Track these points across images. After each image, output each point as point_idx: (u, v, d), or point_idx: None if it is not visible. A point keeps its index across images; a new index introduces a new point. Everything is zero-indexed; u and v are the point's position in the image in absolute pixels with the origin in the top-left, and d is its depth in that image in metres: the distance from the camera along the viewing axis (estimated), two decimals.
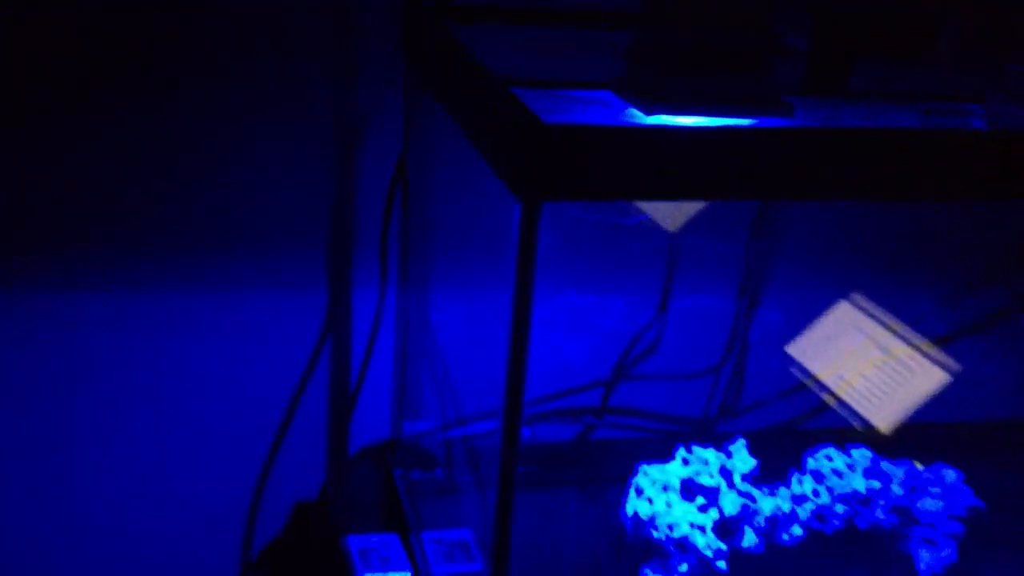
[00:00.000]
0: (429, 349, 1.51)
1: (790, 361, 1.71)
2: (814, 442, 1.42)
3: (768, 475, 1.37)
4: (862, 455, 1.38)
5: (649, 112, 0.94)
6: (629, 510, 1.32)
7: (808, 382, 1.68)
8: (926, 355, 1.70)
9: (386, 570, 1.29)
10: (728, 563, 1.28)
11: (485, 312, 1.56)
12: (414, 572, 1.29)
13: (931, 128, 0.97)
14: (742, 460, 1.34)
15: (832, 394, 1.72)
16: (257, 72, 1.39)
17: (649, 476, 1.33)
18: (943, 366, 1.69)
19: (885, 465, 1.39)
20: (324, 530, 1.53)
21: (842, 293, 1.71)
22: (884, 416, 1.67)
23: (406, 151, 1.34)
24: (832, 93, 1.08)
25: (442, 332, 1.52)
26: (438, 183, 1.38)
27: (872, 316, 1.70)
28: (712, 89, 0.94)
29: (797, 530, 1.33)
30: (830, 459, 1.37)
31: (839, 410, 1.72)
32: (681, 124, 0.91)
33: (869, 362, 1.72)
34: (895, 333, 1.71)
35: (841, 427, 1.68)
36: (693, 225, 1.54)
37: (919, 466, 1.43)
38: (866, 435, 1.63)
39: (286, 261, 1.50)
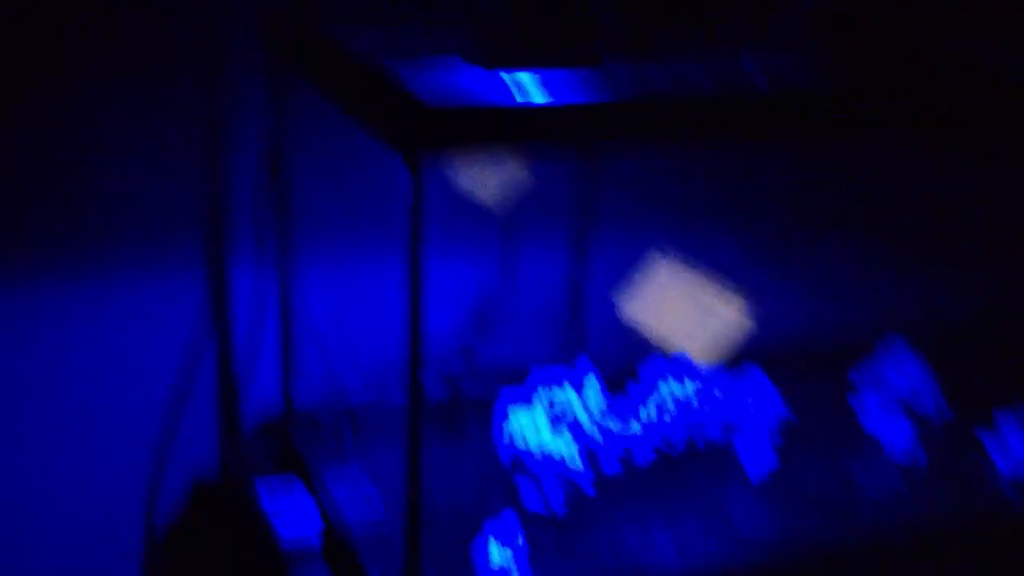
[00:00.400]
0: (312, 325, 1.67)
1: (621, 306, 1.94)
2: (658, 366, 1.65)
3: (621, 407, 1.60)
4: (694, 384, 1.62)
5: (490, 68, 1.14)
6: (517, 446, 1.52)
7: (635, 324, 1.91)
8: (726, 296, 1.96)
9: (300, 529, 1.46)
10: (594, 487, 1.50)
11: (362, 285, 1.73)
12: (324, 525, 1.46)
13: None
14: (596, 396, 1.57)
15: (649, 341, 1.95)
16: (132, 68, 1.52)
17: (520, 417, 1.53)
18: (742, 305, 1.95)
19: (715, 391, 1.63)
20: (228, 502, 1.67)
21: (656, 242, 1.94)
22: (703, 348, 1.92)
23: (277, 139, 1.49)
24: (645, 56, 1.29)
25: (323, 307, 1.69)
26: (311, 166, 1.55)
27: (676, 267, 1.94)
28: (538, 48, 1.14)
29: (644, 451, 1.56)
30: (669, 387, 1.61)
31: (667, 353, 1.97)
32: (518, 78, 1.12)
33: (678, 309, 1.96)
34: (697, 280, 1.95)
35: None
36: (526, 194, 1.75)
37: (742, 385, 1.68)
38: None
39: (168, 250, 1.64)
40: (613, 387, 1.63)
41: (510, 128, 1.08)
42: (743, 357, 1.74)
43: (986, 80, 1.34)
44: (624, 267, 1.92)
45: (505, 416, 1.55)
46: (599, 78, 1.16)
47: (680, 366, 1.63)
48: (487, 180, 1.62)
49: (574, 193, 1.89)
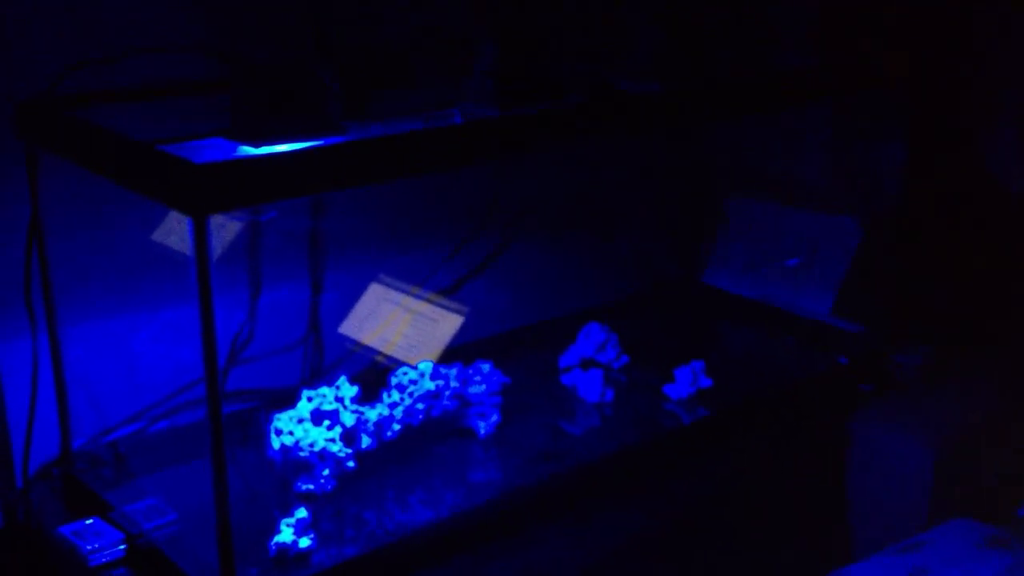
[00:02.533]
0: (84, 375, 1.84)
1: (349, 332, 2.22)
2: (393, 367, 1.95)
3: (368, 397, 1.88)
4: (426, 366, 1.93)
5: (255, 145, 1.40)
6: (276, 445, 1.76)
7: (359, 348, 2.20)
8: (440, 304, 2.29)
9: (101, 542, 1.63)
10: (355, 461, 1.78)
11: (122, 332, 1.92)
12: (125, 536, 1.65)
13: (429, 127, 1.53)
14: (347, 389, 1.84)
15: (383, 351, 2.24)
16: None
17: (283, 418, 1.78)
18: (454, 308, 2.29)
19: (442, 369, 1.95)
20: (21, 543, 1.80)
21: (373, 272, 2.24)
22: (427, 350, 2.24)
23: (36, 214, 1.67)
24: (362, 117, 1.60)
25: (90, 357, 1.86)
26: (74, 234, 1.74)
27: (395, 287, 2.25)
28: (288, 124, 1.42)
29: (396, 427, 1.85)
30: (406, 373, 1.91)
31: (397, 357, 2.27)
32: (274, 151, 1.39)
33: (403, 321, 2.27)
34: (414, 295, 2.27)
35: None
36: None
37: (465, 365, 2.01)
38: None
39: None
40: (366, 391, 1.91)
41: (272, 179, 1.34)
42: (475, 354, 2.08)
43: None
44: (355, 295, 2.21)
45: (271, 420, 1.79)
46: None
47: (419, 368, 1.93)
48: (230, 229, 1.86)
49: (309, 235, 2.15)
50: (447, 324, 2.27)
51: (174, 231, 1.70)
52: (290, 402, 1.81)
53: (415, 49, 1.65)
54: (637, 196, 2.65)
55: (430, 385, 1.90)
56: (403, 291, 2.27)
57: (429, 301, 2.29)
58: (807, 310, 2.47)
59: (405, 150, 1.43)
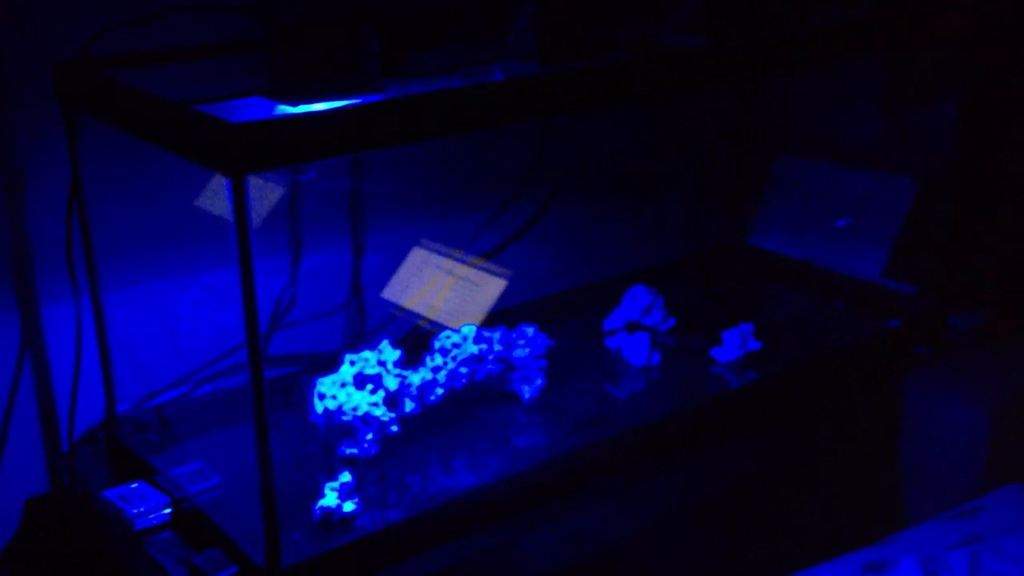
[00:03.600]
0: (126, 339, 1.84)
1: (392, 297, 2.20)
2: (436, 332, 1.93)
3: (411, 361, 1.86)
4: (470, 329, 1.90)
5: (293, 104, 1.38)
6: (319, 409, 1.75)
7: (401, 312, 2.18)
8: (483, 267, 2.26)
9: (147, 506, 1.63)
10: (398, 425, 1.76)
11: (165, 298, 1.91)
12: (171, 500, 1.65)
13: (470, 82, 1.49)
14: (390, 353, 1.82)
15: (426, 316, 2.23)
16: None
17: (326, 383, 1.77)
18: (497, 272, 2.26)
19: (486, 333, 1.92)
20: (67, 506, 1.81)
21: (415, 235, 2.22)
22: (470, 315, 2.22)
23: (77, 177, 1.66)
24: (402, 76, 1.57)
25: (134, 321, 1.86)
26: (109, 196, 1.73)
27: (437, 251, 2.22)
28: (326, 83, 1.40)
29: (439, 391, 1.83)
30: (449, 337, 1.89)
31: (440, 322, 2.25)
32: (312, 110, 1.37)
33: (445, 285, 2.25)
34: (457, 258, 2.24)
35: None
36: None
37: (509, 328, 1.98)
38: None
39: None
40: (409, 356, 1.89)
41: (309, 138, 1.31)
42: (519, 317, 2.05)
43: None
44: (396, 258, 2.19)
45: (314, 385, 1.78)
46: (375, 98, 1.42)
47: (462, 332, 1.90)
48: (271, 192, 1.84)
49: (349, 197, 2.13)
50: (490, 288, 2.25)
51: (214, 193, 1.69)
52: (333, 366, 1.79)
53: (455, 7, 1.61)
54: (684, 157, 2.60)
55: (473, 349, 1.87)
56: (445, 255, 2.24)
57: (472, 265, 2.27)
58: (859, 271, 2.42)
59: (443, 107, 1.40)
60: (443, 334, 1.90)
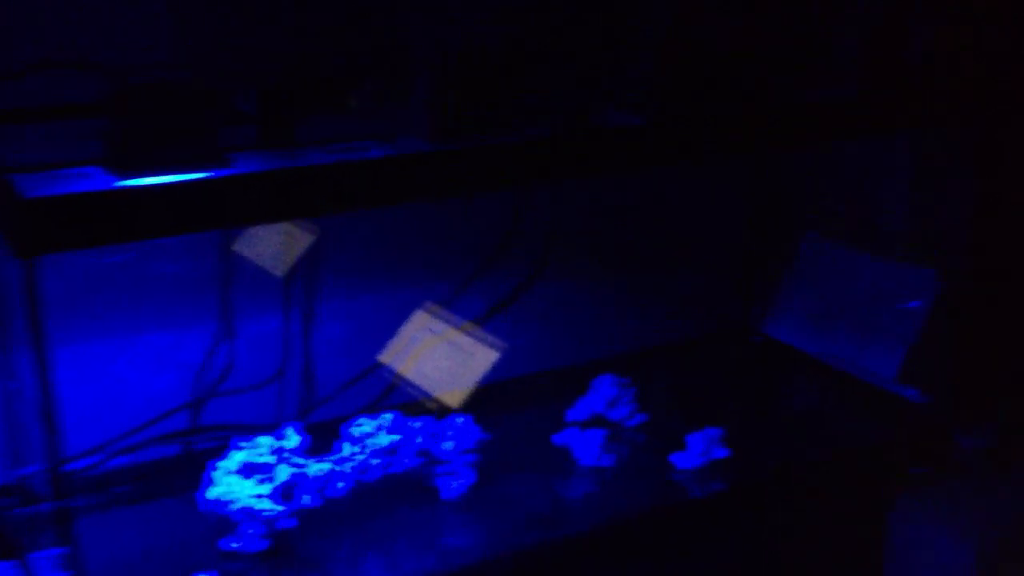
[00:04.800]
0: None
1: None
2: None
3: (324, 448, 1.72)
4: (385, 418, 1.75)
5: (124, 176, 1.26)
6: (210, 496, 1.62)
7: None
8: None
9: None
10: (296, 519, 1.62)
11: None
12: None
13: (335, 160, 1.35)
14: (291, 439, 1.68)
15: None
16: None
17: (217, 468, 1.64)
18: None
19: (410, 422, 1.77)
20: None
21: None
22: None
23: None
24: (282, 146, 1.44)
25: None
26: None
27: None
28: (164, 154, 1.27)
29: (340, 484, 1.68)
30: (361, 425, 1.74)
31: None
32: (146, 183, 1.24)
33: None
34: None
35: (403, 402, 2.07)
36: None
37: (438, 418, 1.82)
38: (423, 405, 2.03)
39: None
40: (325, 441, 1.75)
41: (109, 217, 1.19)
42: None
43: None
44: (353, 328, 2.06)
45: (209, 468, 1.65)
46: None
47: (379, 419, 1.76)
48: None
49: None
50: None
51: None
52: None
53: (356, 73, 1.48)
54: (691, 230, 2.39)
55: (384, 440, 1.72)
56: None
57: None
58: (871, 372, 2.18)
59: (279, 188, 1.26)
60: (357, 421, 1.75)
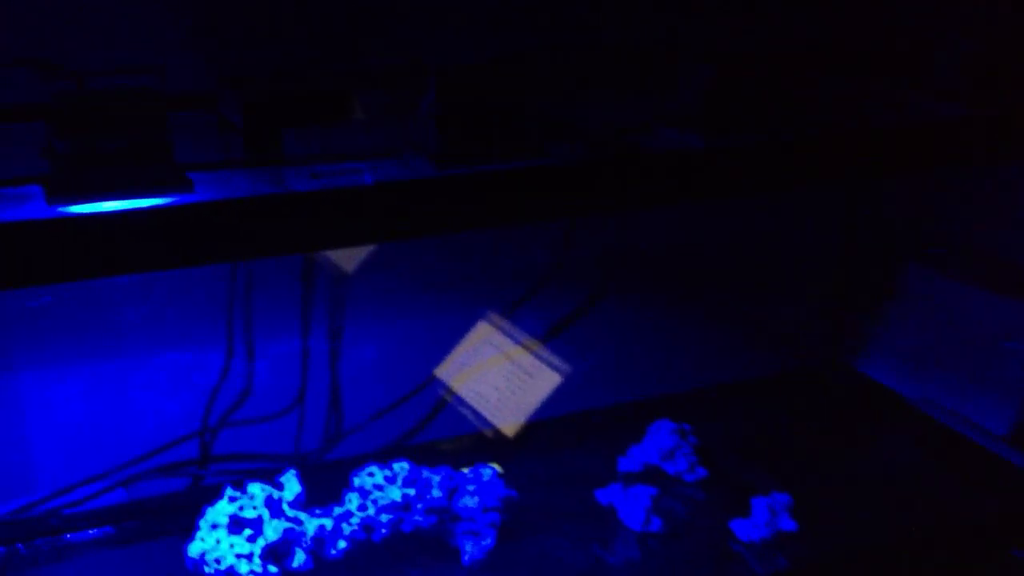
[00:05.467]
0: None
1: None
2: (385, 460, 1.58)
3: (330, 498, 1.53)
4: (401, 467, 1.55)
5: (65, 203, 1.07)
6: (192, 552, 1.44)
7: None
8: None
9: None
10: None
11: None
12: None
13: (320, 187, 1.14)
14: (290, 489, 1.49)
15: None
16: None
17: (205, 517, 1.46)
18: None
19: (425, 473, 1.56)
20: None
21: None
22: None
23: None
24: (268, 162, 1.23)
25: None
26: None
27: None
28: (117, 177, 1.08)
29: (342, 544, 1.48)
30: (372, 475, 1.53)
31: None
32: (88, 210, 1.05)
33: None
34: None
35: (431, 440, 1.87)
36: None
37: (465, 470, 1.61)
38: (452, 445, 1.83)
39: None
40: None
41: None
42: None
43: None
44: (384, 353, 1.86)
45: (200, 515, 1.47)
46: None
47: (394, 469, 1.56)
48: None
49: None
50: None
51: None
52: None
53: (360, 80, 1.26)
54: (771, 253, 2.12)
55: (396, 495, 1.51)
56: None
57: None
58: (977, 426, 1.89)
59: (249, 219, 1.05)
60: (367, 469, 1.55)
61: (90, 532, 1.60)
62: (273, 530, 1.43)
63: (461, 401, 1.90)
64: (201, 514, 1.48)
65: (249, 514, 1.43)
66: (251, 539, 1.42)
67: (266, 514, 1.44)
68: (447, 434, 1.90)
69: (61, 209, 1.06)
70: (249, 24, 1.32)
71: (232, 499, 1.45)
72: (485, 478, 1.58)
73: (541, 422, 1.88)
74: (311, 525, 1.46)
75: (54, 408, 1.69)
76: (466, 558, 1.53)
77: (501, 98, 1.21)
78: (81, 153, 1.08)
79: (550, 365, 1.90)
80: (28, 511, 1.64)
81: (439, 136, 1.19)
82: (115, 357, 1.73)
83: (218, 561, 1.40)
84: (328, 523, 1.47)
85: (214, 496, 1.49)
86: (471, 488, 1.57)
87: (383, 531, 1.51)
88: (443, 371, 1.92)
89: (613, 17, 1.36)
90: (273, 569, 1.42)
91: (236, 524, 1.43)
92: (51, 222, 1.03)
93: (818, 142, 1.35)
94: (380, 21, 1.31)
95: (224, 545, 1.41)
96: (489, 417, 1.89)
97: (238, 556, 1.40)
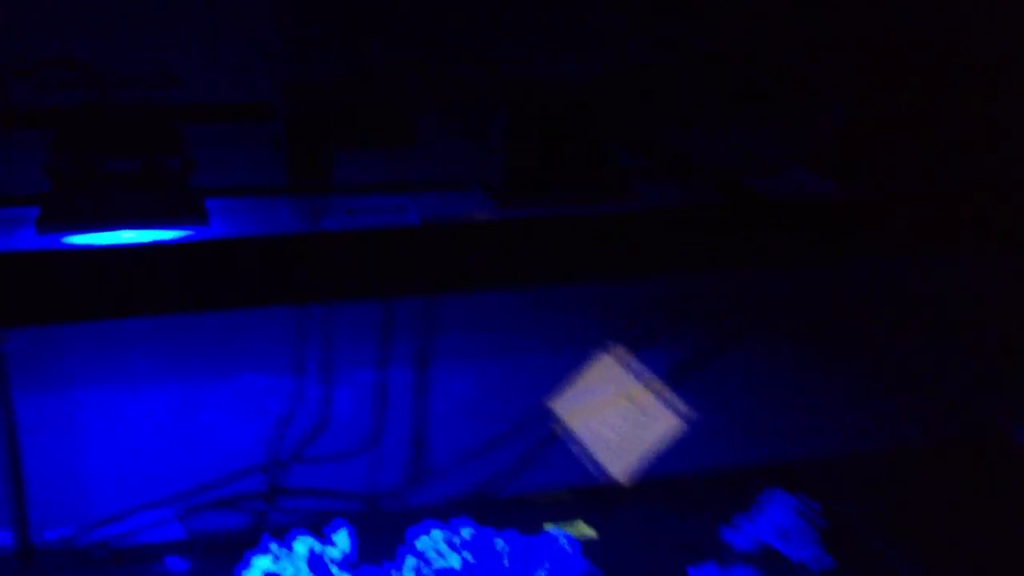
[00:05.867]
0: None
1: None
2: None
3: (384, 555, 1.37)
4: (468, 531, 1.37)
5: (57, 232, 0.93)
6: None
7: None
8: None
9: None
10: None
11: None
12: None
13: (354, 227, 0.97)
14: (339, 545, 1.33)
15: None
16: None
17: (244, 571, 1.32)
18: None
19: (497, 540, 1.38)
20: None
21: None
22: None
23: None
24: (317, 189, 1.07)
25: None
26: None
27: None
28: (120, 204, 0.93)
29: None
30: (433, 540, 1.36)
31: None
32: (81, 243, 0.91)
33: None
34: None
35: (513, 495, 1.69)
36: None
37: (549, 527, 1.42)
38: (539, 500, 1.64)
39: None
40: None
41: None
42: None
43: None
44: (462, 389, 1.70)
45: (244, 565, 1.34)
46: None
47: (463, 534, 1.38)
48: None
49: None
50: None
51: None
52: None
53: (421, 99, 1.09)
54: (924, 304, 1.85)
55: (454, 561, 1.33)
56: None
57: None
58: None
59: (268, 261, 0.89)
60: (428, 536, 1.37)
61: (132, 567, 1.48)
62: None
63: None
64: (244, 562, 1.34)
65: (287, 572, 1.28)
66: None
67: (306, 574, 1.28)
68: (536, 484, 1.71)
69: (52, 239, 0.93)
70: (305, 32, 1.16)
71: (274, 556, 1.30)
72: (564, 548, 1.39)
73: (632, 484, 1.67)
74: None
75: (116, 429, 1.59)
76: None
77: (582, 128, 1.01)
78: (83, 173, 0.94)
79: (659, 417, 1.69)
80: (75, 540, 1.53)
81: (506, 169, 1.00)
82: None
83: None
84: None
85: (270, 536, 1.35)
86: (546, 564, 1.38)
87: None
88: (540, 414, 1.74)
89: (731, 28, 1.13)
90: None
91: None
92: (38, 254, 0.89)
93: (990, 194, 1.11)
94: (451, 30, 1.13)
95: None
96: (585, 468, 1.70)
97: None
